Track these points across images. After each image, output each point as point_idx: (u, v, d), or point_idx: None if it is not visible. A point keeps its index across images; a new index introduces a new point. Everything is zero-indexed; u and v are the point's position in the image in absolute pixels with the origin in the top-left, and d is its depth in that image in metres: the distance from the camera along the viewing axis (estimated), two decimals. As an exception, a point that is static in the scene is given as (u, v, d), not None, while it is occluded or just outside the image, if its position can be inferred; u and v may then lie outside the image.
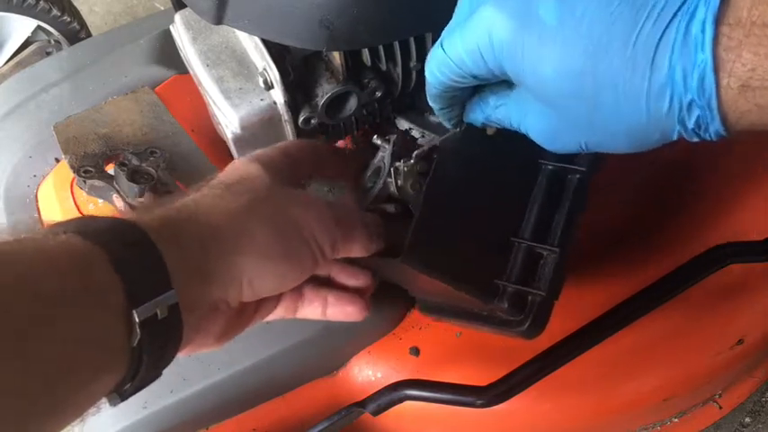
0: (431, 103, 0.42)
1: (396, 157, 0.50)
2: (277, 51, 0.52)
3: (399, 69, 0.53)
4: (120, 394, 0.34)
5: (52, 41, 1.49)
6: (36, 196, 0.75)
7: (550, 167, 0.43)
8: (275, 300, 0.47)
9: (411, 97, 0.59)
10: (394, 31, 0.47)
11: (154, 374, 0.35)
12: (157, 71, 0.78)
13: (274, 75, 0.51)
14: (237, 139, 0.55)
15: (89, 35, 1.53)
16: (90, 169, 0.60)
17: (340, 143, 0.64)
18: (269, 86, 0.52)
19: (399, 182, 0.48)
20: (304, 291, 0.48)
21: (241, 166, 0.44)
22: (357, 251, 0.45)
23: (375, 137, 0.52)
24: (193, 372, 0.59)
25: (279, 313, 0.48)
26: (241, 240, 0.39)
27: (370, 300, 0.50)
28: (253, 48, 0.54)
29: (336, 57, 0.52)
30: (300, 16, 0.44)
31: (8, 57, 1.47)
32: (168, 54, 0.78)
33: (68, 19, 1.45)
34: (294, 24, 0.45)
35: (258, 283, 0.40)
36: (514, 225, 0.43)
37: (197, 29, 0.57)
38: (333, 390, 0.66)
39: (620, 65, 0.31)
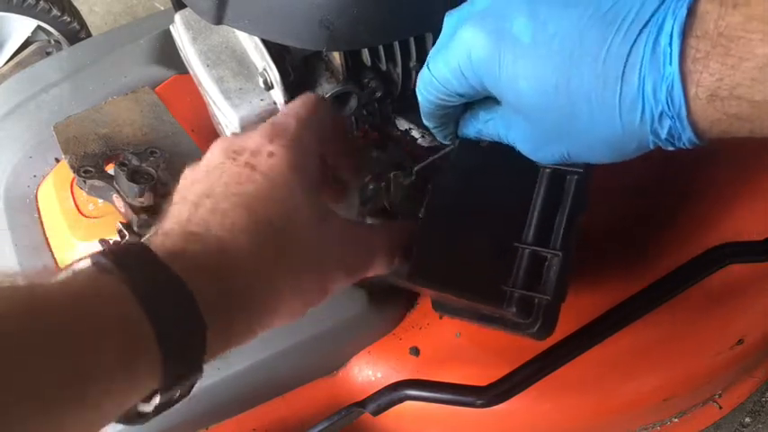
0: (425, 122, 0.43)
1: (393, 166, 0.50)
2: (277, 51, 0.52)
3: (399, 69, 0.53)
4: None
5: (52, 41, 1.49)
6: (36, 196, 0.75)
7: (548, 170, 0.43)
8: None
9: (411, 97, 0.59)
10: (394, 31, 0.47)
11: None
12: (157, 71, 0.78)
13: (274, 75, 0.51)
14: (237, 139, 0.55)
15: (89, 35, 1.53)
16: (90, 169, 0.60)
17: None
18: (269, 86, 0.52)
19: (391, 192, 0.48)
20: None
21: (286, 187, 0.38)
22: (378, 272, 0.44)
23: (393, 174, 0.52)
24: (193, 372, 0.59)
25: None
26: (280, 315, 0.37)
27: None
28: (253, 48, 0.54)
29: (336, 57, 0.52)
30: (300, 16, 0.44)
31: (8, 57, 1.47)
32: (168, 54, 0.78)
33: (68, 19, 1.45)
34: (294, 24, 0.45)
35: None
36: (517, 230, 0.43)
37: (197, 29, 0.57)
38: (333, 390, 0.66)
39: (591, 79, 0.32)
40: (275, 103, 0.54)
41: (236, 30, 0.56)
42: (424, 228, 0.43)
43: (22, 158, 0.76)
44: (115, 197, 0.59)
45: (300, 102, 0.43)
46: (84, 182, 0.60)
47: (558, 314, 0.42)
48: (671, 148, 0.33)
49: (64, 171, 0.73)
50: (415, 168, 0.49)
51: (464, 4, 0.37)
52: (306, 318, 0.38)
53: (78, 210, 0.69)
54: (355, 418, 0.59)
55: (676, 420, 0.79)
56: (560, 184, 0.44)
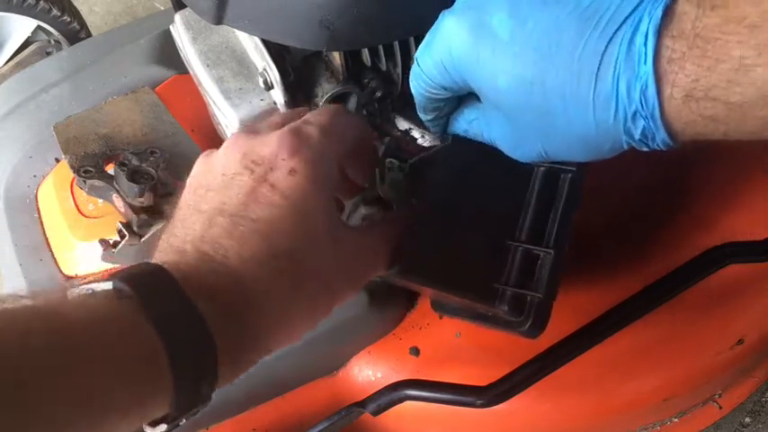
0: (420, 114, 0.44)
1: (388, 155, 0.50)
2: (277, 51, 0.52)
3: (399, 69, 0.53)
4: None
5: (52, 41, 1.49)
6: (36, 196, 0.75)
7: (542, 169, 0.43)
8: None
9: (411, 97, 0.59)
10: (394, 31, 0.47)
11: None
12: (157, 71, 0.78)
13: (274, 75, 0.51)
14: (237, 139, 0.55)
15: (89, 35, 1.53)
16: (90, 169, 0.60)
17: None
18: (269, 87, 0.52)
19: (385, 180, 0.48)
20: None
21: (308, 213, 0.36)
22: (379, 274, 0.44)
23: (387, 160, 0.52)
24: (193, 372, 0.59)
25: None
26: (291, 338, 0.37)
27: None
28: (253, 48, 0.54)
29: (336, 57, 0.52)
30: (300, 16, 0.44)
31: (8, 57, 1.47)
32: (168, 54, 0.78)
33: (68, 19, 1.45)
34: (294, 24, 0.45)
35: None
36: (511, 228, 0.43)
37: (197, 29, 0.57)
38: (333, 390, 0.66)
39: (566, 76, 0.32)
40: (275, 103, 0.53)
41: (236, 30, 0.56)
42: (417, 224, 0.43)
43: (22, 158, 0.76)
44: (115, 197, 0.59)
45: (325, 110, 0.42)
46: (84, 182, 0.60)
47: (550, 312, 0.42)
48: (645, 149, 0.33)
49: (64, 171, 0.73)
50: (410, 162, 0.49)
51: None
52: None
53: (78, 210, 0.69)
54: (355, 418, 0.59)
55: (676, 420, 0.79)
56: (554, 183, 0.44)
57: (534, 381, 0.54)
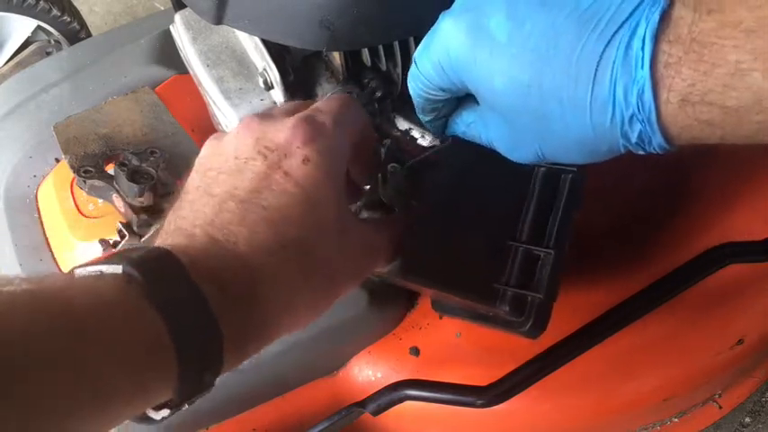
0: (419, 115, 0.44)
1: (390, 159, 0.50)
2: (277, 51, 0.52)
3: (399, 69, 0.53)
4: None
5: (52, 41, 1.49)
6: (36, 196, 0.75)
7: (543, 169, 0.43)
8: None
9: (411, 97, 0.59)
10: (394, 31, 0.47)
11: None
12: (157, 71, 0.78)
13: (274, 75, 0.51)
14: (237, 139, 0.55)
15: (89, 35, 1.53)
16: (90, 169, 0.60)
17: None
18: (269, 86, 0.52)
19: (387, 184, 0.49)
20: None
21: (320, 204, 0.36)
22: (380, 268, 0.44)
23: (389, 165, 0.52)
24: (193, 372, 0.59)
25: None
26: (293, 323, 0.36)
27: None
28: (253, 48, 0.54)
29: (336, 57, 0.52)
30: (300, 16, 0.44)
31: (8, 57, 1.47)
32: (168, 54, 0.78)
33: (68, 19, 1.45)
34: (294, 24, 0.45)
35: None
36: (512, 228, 0.43)
37: (197, 29, 0.57)
38: (333, 390, 0.66)
39: (563, 79, 0.32)
40: (275, 103, 0.54)
41: (236, 30, 0.56)
42: (418, 224, 0.44)
43: (22, 158, 0.76)
44: (115, 197, 0.59)
45: (336, 100, 0.41)
46: (84, 182, 0.60)
47: (551, 312, 0.42)
48: (641, 153, 0.33)
49: (64, 171, 0.73)
50: (409, 163, 0.49)
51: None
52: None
53: (78, 210, 0.69)
54: (355, 418, 0.59)
55: (676, 420, 0.79)
56: (555, 183, 0.44)
57: (534, 381, 0.54)
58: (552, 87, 0.32)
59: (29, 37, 1.47)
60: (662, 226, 0.66)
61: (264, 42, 0.52)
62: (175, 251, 0.32)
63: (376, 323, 0.64)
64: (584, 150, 0.35)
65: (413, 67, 0.39)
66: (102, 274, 0.30)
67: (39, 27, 1.45)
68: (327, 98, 0.43)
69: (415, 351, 0.64)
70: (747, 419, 1.14)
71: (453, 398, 0.55)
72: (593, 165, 0.38)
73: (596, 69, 0.31)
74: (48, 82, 0.80)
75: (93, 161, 0.61)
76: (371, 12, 0.44)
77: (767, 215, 0.65)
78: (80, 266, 0.31)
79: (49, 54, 1.47)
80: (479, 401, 0.54)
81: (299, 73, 0.53)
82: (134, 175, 0.57)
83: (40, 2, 1.38)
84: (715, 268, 0.58)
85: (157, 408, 0.31)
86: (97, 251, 0.59)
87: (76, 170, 0.60)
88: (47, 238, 0.72)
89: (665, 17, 0.29)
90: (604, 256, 0.64)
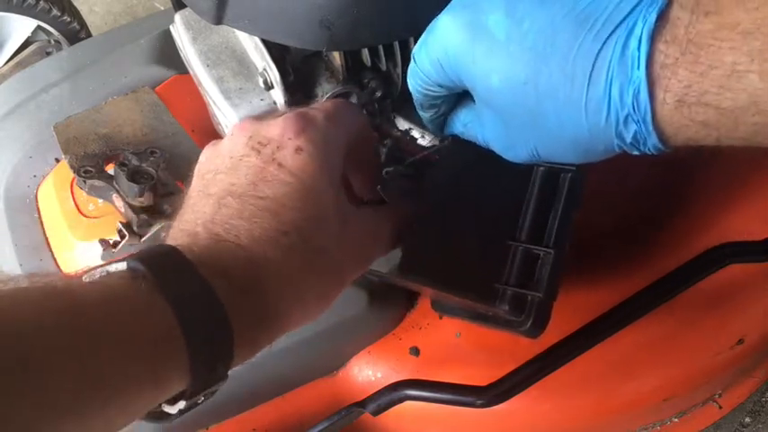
0: (418, 111, 0.44)
1: (390, 160, 0.50)
2: (277, 51, 0.52)
3: (399, 69, 0.53)
4: None
5: (52, 41, 1.49)
6: (36, 196, 0.75)
7: (542, 168, 0.43)
8: None
9: (411, 97, 0.59)
10: (394, 32, 0.47)
11: None
12: (157, 71, 0.78)
13: (274, 75, 0.51)
14: (237, 139, 0.55)
15: (89, 35, 1.53)
16: (90, 169, 0.60)
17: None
18: (269, 86, 0.52)
19: (388, 186, 0.48)
20: None
21: (315, 191, 0.37)
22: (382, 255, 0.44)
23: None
24: (193, 372, 0.59)
25: None
26: (303, 319, 0.37)
27: None
28: (253, 48, 0.54)
29: (336, 57, 0.52)
30: (300, 16, 0.44)
31: (8, 57, 1.47)
32: (168, 54, 0.78)
33: (68, 19, 1.45)
34: (294, 24, 0.45)
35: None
36: (511, 228, 0.43)
37: (197, 29, 0.57)
38: (333, 390, 0.66)
39: (559, 77, 0.32)
40: (275, 103, 0.54)
41: (236, 30, 0.56)
42: (418, 223, 0.43)
43: (22, 158, 0.76)
44: (115, 197, 0.59)
45: (330, 101, 0.42)
46: (84, 182, 0.60)
47: (551, 312, 0.42)
48: (636, 153, 0.33)
49: (64, 171, 0.73)
50: (408, 162, 0.49)
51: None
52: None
53: (78, 210, 0.69)
54: (355, 418, 0.59)
55: (676, 420, 0.79)
56: (554, 182, 0.44)
57: (534, 381, 0.54)
58: (548, 86, 0.32)
59: (29, 37, 1.47)
60: (662, 226, 0.66)
61: (264, 42, 0.52)
62: (180, 248, 0.32)
63: (376, 323, 0.64)
64: (580, 150, 0.35)
65: (411, 63, 0.39)
66: (108, 273, 0.31)
67: (39, 27, 1.45)
68: (322, 101, 0.43)
69: (415, 351, 0.64)
70: (747, 419, 1.14)
71: (453, 398, 0.55)
72: (591, 164, 0.38)
73: (592, 69, 0.31)
74: (48, 82, 0.80)
75: (93, 161, 0.61)
76: (371, 12, 0.44)
77: (767, 215, 0.65)
78: (86, 271, 0.31)
79: (49, 54, 1.47)
80: (479, 401, 0.54)
81: (298, 73, 0.53)
82: (134, 175, 0.57)
83: (40, 2, 1.38)
84: (715, 268, 0.58)
85: (172, 401, 0.31)
86: (97, 251, 0.59)
87: (76, 170, 0.60)
88: (47, 238, 0.72)
89: (662, 17, 0.29)
90: (604, 256, 0.64)
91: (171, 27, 0.60)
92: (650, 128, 0.30)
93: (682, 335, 0.63)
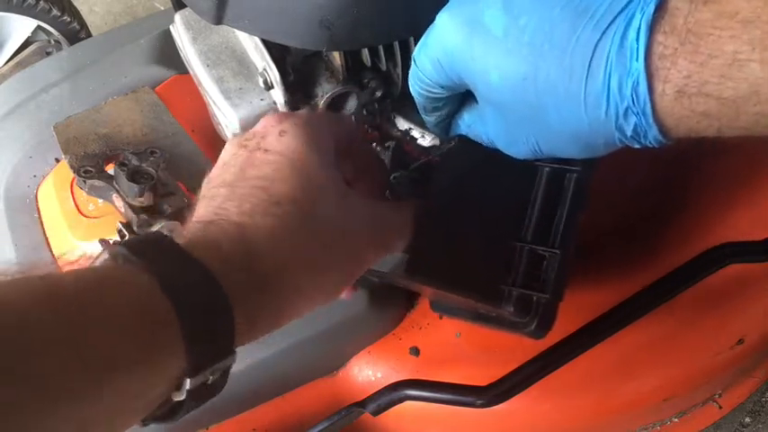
0: (422, 115, 0.44)
1: (395, 163, 0.50)
2: (277, 51, 0.52)
3: (399, 69, 0.53)
4: (144, 424, 0.32)
5: (52, 41, 1.49)
6: (36, 196, 0.75)
7: (547, 169, 0.43)
8: None
9: (411, 97, 0.59)
10: (395, 32, 0.47)
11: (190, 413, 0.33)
12: (157, 71, 0.78)
13: (274, 75, 0.51)
14: (237, 139, 0.55)
15: (89, 35, 1.53)
16: (90, 169, 0.60)
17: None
18: (269, 86, 0.52)
19: (395, 190, 0.49)
20: None
21: (303, 163, 0.37)
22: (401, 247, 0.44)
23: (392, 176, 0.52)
24: (193, 372, 0.59)
25: None
26: (313, 295, 0.36)
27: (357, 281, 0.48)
28: (253, 48, 0.54)
29: (336, 57, 0.52)
30: (300, 16, 0.44)
31: (8, 57, 1.47)
32: (168, 54, 0.78)
33: (68, 19, 1.45)
34: (294, 24, 0.45)
35: (307, 313, 0.38)
36: (516, 228, 0.43)
37: (197, 29, 0.57)
38: (333, 390, 0.66)
39: (558, 72, 0.32)
40: (275, 103, 0.53)
41: (235, 30, 0.56)
42: (424, 224, 0.43)
43: (22, 158, 0.76)
44: (115, 197, 0.59)
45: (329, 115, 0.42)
46: (84, 182, 0.60)
47: (557, 313, 0.42)
48: (637, 146, 0.33)
49: (64, 171, 0.73)
50: (414, 166, 0.49)
51: None
52: (306, 317, 0.38)
53: (78, 210, 0.69)
54: (355, 418, 0.59)
55: (676, 420, 0.79)
56: (559, 183, 0.44)
57: (534, 381, 0.54)
58: (547, 81, 0.32)
59: (29, 37, 1.46)
60: (662, 226, 0.66)
61: (264, 42, 0.52)
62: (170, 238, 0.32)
63: (376, 323, 0.64)
64: (580, 144, 0.34)
65: (412, 66, 0.39)
66: (93, 264, 0.31)
67: (39, 27, 1.45)
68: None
69: (415, 351, 0.64)
70: (747, 419, 1.14)
71: (453, 398, 0.55)
72: (595, 165, 0.38)
73: (590, 62, 0.30)
74: (48, 82, 0.80)
75: (93, 161, 0.61)
76: (371, 12, 0.44)
77: (767, 215, 0.65)
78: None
79: (49, 54, 1.47)
80: (479, 401, 0.54)
81: (298, 73, 0.53)
82: (134, 175, 0.57)
83: (40, 2, 1.38)
84: (715, 268, 0.58)
85: (178, 386, 0.30)
86: (97, 251, 0.59)
87: (76, 170, 0.60)
88: (47, 238, 0.72)
89: (660, 8, 0.29)
90: (604, 256, 0.64)
91: (171, 27, 0.60)
92: (650, 120, 0.30)
93: (682, 335, 0.63)
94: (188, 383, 0.30)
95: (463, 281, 0.43)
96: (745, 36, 0.27)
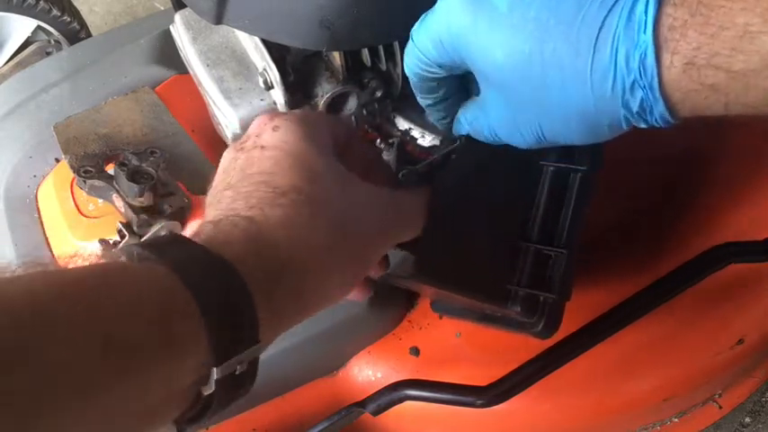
0: (419, 100, 0.43)
1: (400, 162, 0.50)
2: (277, 51, 0.52)
3: (399, 69, 0.53)
4: (180, 428, 0.31)
5: (52, 41, 1.49)
6: (36, 196, 0.75)
7: (552, 168, 0.43)
8: None
9: (411, 97, 0.59)
10: (394, 31, 0.47)
11: (220, 412, 0.32)
12: (157, 71, 0.78)
13: (274, 75, 0.51)
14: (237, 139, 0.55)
15: (89, 35, 1.53)
16: (90, 169, 0.60)
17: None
18: (269, 86, 0.52)
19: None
20: None
21: (302, 152, 0.37)
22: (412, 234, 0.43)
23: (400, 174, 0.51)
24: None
25: None
26: (330, 279, 0.36)
27: (369, 282, 0.47)
28: (253, 48, 0.54)
29: (336, 57, 0.52)
30: (300, 16, 0.44)
31: (8, 57, 1.47)
32: (168, 54, 0.78)
33: (68, 19, 1.45)
34: (294, 24, 0.45)
35: (329, 304, 0.37)
36: (522, 228, 0.43)
37: (197, 29, 0.57)
38: (333, 390, 0.66)
39: (564, 47, 0.31)
40: (275, 103, 0.53)
41: (235, 30, 0.56)
42: (430, 225, 0.43)
43: (22, 158, 0.76)
44: (115, 197, 0.59)
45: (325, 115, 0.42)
46: (84, 182, 0.60)
47: (563, 313, 0.42)
48: (643, 126, 0.33)
49: (64, 171, 0.73)
50: (418, 167, 0.49)
51: None
52: (306, 317, 0.38)
53: (78, 210, 0.69)
54: (355, 418, 0.59)
55: (676, 420, 0.78)
56: (564, 182, 0.44)
57: (534, 381, 0.54)
58: (553, 57, 0.32)
59: (29, 37, 1.46)
60: (662, 226, 0.66)
61: (264, 42, 0.52)
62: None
63: (376, 323, 0.64)
64: (585, 125, 0.34)
65: (409, 43, 0.38)
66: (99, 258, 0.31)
67: (39, 27, 1.44)
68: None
69: (415, 351, 0.64)
70: (747, 419, 1.14)
71: (453, 398, 0.55)
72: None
73: (597, 36, 0.30)
74: (48, 82, 0.80)
75: (93, 161, 0.61)
76: (371, 12, 0.44)
77: (767, 215, 0.65)
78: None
79: (49, 54, 1.47)
80: (479, 401, 0.54)
81: (298, 73, 0.53)
82: (134, 175, 0.57)
83: (40, 2, 1.38)
84: (716, 268, 0.57)
85: (203, 380, 0.29)
86: (97, 251, 0.59)
87: (76, 170, 0.60)
88: (47, 238, 0.72)
89: None
90: (604, 256, 0.64)
91: (171, 27, 0.60)
92: (657, 94, 0.30)
93: (682, 335, 0.63)
94: (215, 373, 0.29)
95: (470, 281, 0.43)
96: (758, 8, 0.26)
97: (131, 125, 0.66)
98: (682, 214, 0.66)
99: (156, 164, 0.60)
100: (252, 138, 0.38)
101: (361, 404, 0.58)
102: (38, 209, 0.74)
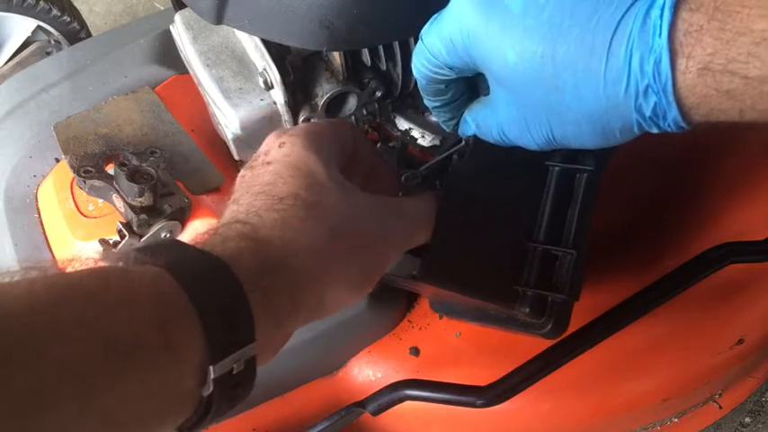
0: (425, 102, 0.43)
1: (401, 163, 0.50)
2: (277, 51, 0.52)
3: (399, 69, 0.53)
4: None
5: (52, 41, 1.49)
6: (36, 196, 0.75)
7: (558, 169, 0.43)
8: None
9: (411, 97, 0.59)
10: (394, 31, 0.47)
11: (221, 416, 0.32)
12: (157, 71, 0.78)
13: (274, 75, 0.51)
14: (237, 140, 0.55)
15: (89, 35, 1.53)
16: (90, 169, 0.60)
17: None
18: (269, 86, 0.52)
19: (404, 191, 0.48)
20: None
21: (304, 163, 0.38)
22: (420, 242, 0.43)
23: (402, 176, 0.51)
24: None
25: None
26: (329, 283, 0.36)
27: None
28: (253, 48, 0.54)
29: (336, 57, 0.52)
30: (300, 16, 0.44)
31: (8, 57, 1.47)
32: (168, 54, 0.78)
33: (68, 19, 1.45)
34: (294, 24, 0.45)
35: (335, 310, 0.38)
36: (528, 229, 0.43)
37: (197, 29, 0.57)
38: (333, 390, 0.66)
39: (578, 50, 0.31)
40: (275, 103, 0.54)
41: (235, 30, 0.56)
42: (437, 227, 0.43)
43: (22, 158, 0.76)
44: (115, 197, 0.59)
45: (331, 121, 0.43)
46: (84, 182, 0.60)
47: (571, 313, 0.42)
48: (655, 130, 0.32)
49: (64, 171, 0.73)
50: (421, 169, 0.49)
51: None
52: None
53: (78, 210, 0.69)
54: (355, 418, 0.59)
55: (676, 420, 0.78)
56: (570, 183, 0.43)
57: (534, 381, 0.54)
58: (566, 59, 0.32)
59: (29, 37, 1.46)
60: (662, 226, 0.66)
61: (264, 42, 0.52)
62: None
63: (376, 323, 0.64)
64: (596, 129, 0.34)
65: (419, 44, 0.38)
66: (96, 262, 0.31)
67: (39, 27, 1.45)
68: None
69: (415, 351, 0.64)
70: (747, 419, 1.14)
71: (453, 398, 0.55)
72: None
73: (612, 39, 0.30)
74: (48, 82, 0.80)
75: (93, 161, 0.61)
76: (371, 12, 0.44)
77: (767, 215, 0.65)
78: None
79: (49, 54, 1.47)
80: (479, 401, 0.54)
81: (298, 73, 0.53)
82: (134, 175, 0.57)
83: (40, 2, 1.38)
84: (716, 268, 0.57)
85: (204, 381, 0.29)
86: (98, 251, 0.59)
87: (76, 170, 0.60)
88: (47, 238, 0.72)
89: None
90: (604, 256, 0.64)
91: (171, 27, 0.60)
92: (671, 98, 0.30)
93: (682, 335, 0.63)
94: (212, 372, 0.29)
95: (478, 283, 0.42)
96: None
97: (131, 125, 0.66)
98: (682, 214, 0.66)
99: (156, 164, 0.60)
100: (261, 156, 0.39)
101: (361, 404, 0.58)
102: (38, 209, 0.74)
